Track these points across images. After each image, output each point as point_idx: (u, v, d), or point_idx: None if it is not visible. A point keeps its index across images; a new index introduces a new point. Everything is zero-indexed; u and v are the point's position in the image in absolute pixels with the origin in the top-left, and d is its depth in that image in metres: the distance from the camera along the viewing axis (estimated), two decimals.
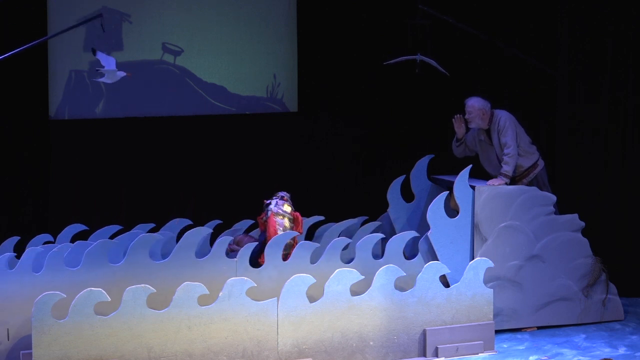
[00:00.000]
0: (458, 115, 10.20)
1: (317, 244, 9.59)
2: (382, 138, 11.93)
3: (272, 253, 9.36)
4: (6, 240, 9.72)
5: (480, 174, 10.40)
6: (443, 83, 11.67)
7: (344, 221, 10.42)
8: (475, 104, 10.12)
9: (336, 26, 11.77)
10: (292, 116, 11.90)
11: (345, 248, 9.62)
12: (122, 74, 9.67)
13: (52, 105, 11.20)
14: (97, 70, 9.67)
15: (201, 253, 9.41)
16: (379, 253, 9.81)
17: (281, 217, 9.65)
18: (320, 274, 9.04)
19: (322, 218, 10.43)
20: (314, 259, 9.46)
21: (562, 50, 11.23)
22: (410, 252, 9.85)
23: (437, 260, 9.56)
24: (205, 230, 9.47)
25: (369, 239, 9.64)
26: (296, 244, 9.57)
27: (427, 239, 9.68)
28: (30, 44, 9.80)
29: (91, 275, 8.95)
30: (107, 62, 9.64)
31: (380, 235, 9.76)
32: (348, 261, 9.57)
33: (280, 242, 9.40)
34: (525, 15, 11.56)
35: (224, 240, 9.38)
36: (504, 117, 10.04)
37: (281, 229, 9.59)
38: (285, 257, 9.43)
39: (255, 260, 9.42)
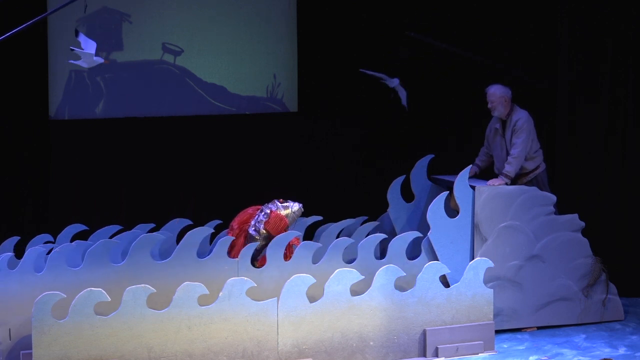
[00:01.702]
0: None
1: (319, 244, 9.59)
2: (382, 138, 11.93)
3: (274, 253, 9.36)
4: (6, 240, 9.71)
5: (482, 173, 10.41)
6: (443, 83, 11.69)
7: (343, 221, 10.41)
8: (496, 92, 10.12)
9: (336, 26, 11.77)
10: (292, 116, 11.90)
11: (346, 248, 9.62)
12: (99, 59, 9.43)
13: (52, 105, 11.20)
14: (72, 49, 9.48)
15: (201, 253, 9.41)
16: (380, 253, 9.81)
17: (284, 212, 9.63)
18: (322, 274, 9.03)
19: (320, 218, 10.41)
20: (315, 259, 9.46)
21: (562, 50, 11.23)
22: (411, 252, 9.84)
23: (438, 260, 9.56)
24: (207, 230, 9.46)
25: (371, 239, 9.64)
26: (291, 245, 9.57)
27: (428, 239, 9.69)
28: (9, 33, 9.67)
29: (92, 275, 8.94)
30: (87, 45, 9.44)
31: (383, 236, 9.76)
32: (350, 261, 9.57)
33: (282, 242, 9.40)
34: (525, 16, 11.56)
35: (225, 240, 9.38)
36: (522, 119, 10.04)
37: (288, 217, 9.57)
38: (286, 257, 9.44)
39: (253, 263, 9.42)
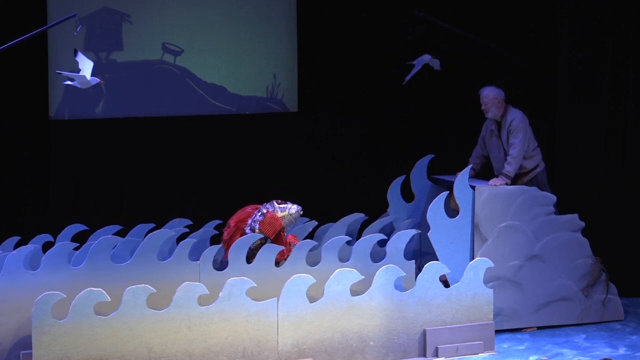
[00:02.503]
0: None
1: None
2: (382, 138, 11.93)
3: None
4: (6, 240, 9.72)
5: (481, 174, 10.41)
6: (443, 83, 11.68)
7: (344, 220, 10.39)
8: (489, 94, 10.14)
9: (336, 26, 11.77)
10: (292, 116, 11.90)
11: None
12: (95, 80, 9.35)
13: (52, 105, 11.19)
14: (59, 73, 9.44)
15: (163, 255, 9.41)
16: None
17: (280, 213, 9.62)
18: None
19: (315, 223, 10.31)
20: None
21: (562, 50, 11.23)
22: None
23: (437, 260, 9.56)
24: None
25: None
26: (289, 244, 9.56)
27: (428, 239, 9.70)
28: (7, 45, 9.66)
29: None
30: (84, 65, 9.36)
31: (381, 236, 9.76)
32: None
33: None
34: (525, 15, 11.56)
35: (186, 243, 9.30)
36: (517, 118, 10.05)
37: (284, 218, 9.54)
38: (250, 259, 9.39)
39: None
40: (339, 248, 9.50)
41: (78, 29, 9.55)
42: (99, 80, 9.38)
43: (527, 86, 11.52)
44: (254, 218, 9.58)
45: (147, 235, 9.30)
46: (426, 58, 10.52)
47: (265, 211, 9.55)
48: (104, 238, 9.15)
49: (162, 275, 9.14)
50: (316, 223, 10.27)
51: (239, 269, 9.21)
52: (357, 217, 10.43)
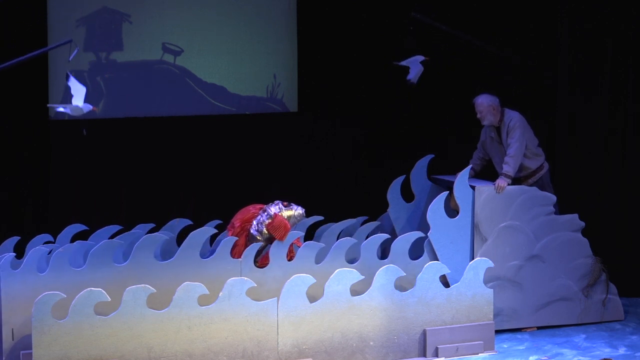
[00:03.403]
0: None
1: (322, 244, 9.59)
2: (382, 138, 11.93)
3: (276, 253, 9.36)
4: (6, 240, 9.71)
5: (481, 174, 10.41)
6: (443, 83, 11.68)
7: (344, 221, 10.41)
8: (484, 102, 10.13)
9: (336, 26, 11.77)
10: (292, 116, 11.90)
11: (349, 248, 9.61)
12: (88, 107, 9.23)
13: None
14: (49, 106, 9.34)
15: (203, 253, 9.41)
16: (383, 254, 9.81)
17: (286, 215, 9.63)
18: (325, 275, 9.03)
19: (321, 218, 10.41)
20: (318, 260, 9.46)
21: (562, 50, 11.23)
22: (413, 252, 9.84)
23: (438, 260, 9.56)
24: (209, 230, 9.46)
25: (374, 239, 9.64)
26: (292, 246, 9.57)
27: (429, 239, 9.69)
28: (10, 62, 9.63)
29: (95, 276, 8.94)
30: (77, 91, 9.28)
31: (386, 236, 9.76)
32: (352, 261, 9.57)
33: (285, 242, 9.40)
34: (525, 15, 11.56)
35: (228, 241, 9.37)
36: (515, 119, 10.05)
37: (290, 219, 9.57)
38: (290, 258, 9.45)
39: (253, 263, 9.42)
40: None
41: (73, 54, 9.48)
42: (92, 107, 9.30)
43: (527, 86, 11.52)
44: (259, 219, 9.58)
45: (189, 234, 9.30)
46: (419, 59, 10.51)
47: (272, 213, 9.55)
48: (147, 236, 9.19)
49: (204, 272, 9.16)
50: (322, 218, 10.31)
51: (279, 265, 9.32)
52: (358, 219, 10.47)
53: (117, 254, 9.29)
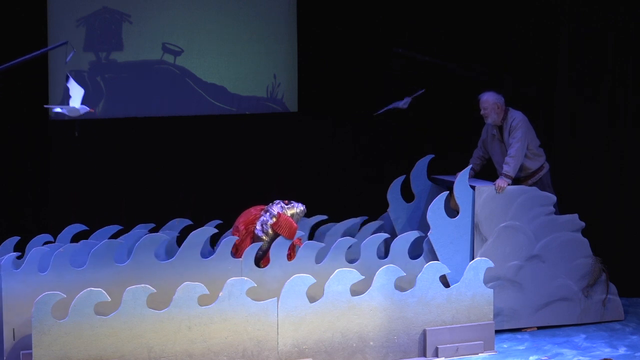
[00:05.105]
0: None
1: (323, 244, 9.59)
2: (382, 138, 11.93)
3: (277, 253, 9.36)
4: (6, 240, 9.72)
5: (481, 174, 10.41)
6: (443, 83, 11.68)
7: (345, 221, 10.41)
8: (489, 99, 10.13)
9: (336, 26, 11.77)
10: (292, 116, 11.90)
11: (349, 248, 9.62)
12: (85, 108, 9.25)
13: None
14: (47, 106, 9.35)
15: (204, 253, 9.41)
16: (383, 253, 9.81)
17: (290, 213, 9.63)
18: (325, 274, 9.03)
19: (325, 217, 10.42)
20: (318, 259, 9.46)
21: (562, 49, 11.23)
22: (413, 252, 9.84)
23: (438, 260, 9.56)
24: (210, 230, 9.47)
25: (374, 238, 9.65)
26: (294, 245, 9.57)
27: (429, 239, 9.69)
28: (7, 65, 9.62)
29: (97, 276, 8.94)
30: (75, 93, 9.28)
31: (386, 235, 9.77)
32: (352, 261, 9.57)
33: (285, 242, 9.40)
34: (525, 15, 11.55)
35: (229, 240, 9.38)
36: (517, 118, 10.06)
37: (293, 217, 9.58)
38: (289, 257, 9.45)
39: (257, 264, 9.43)
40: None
41: (70, 56, 9.48)
42: (88, 108, 9.31)
43: (526, 86, 11.52)
44: (262, 220, 9.58)
45: (190, 234, 9.30)
46: (407, 100, 10.60)
47: (275, 212, 9.56)
48: (148, 236, 9.20)
49: (205, 272, 9.17)
50: (326, 217, 10.31)
51: (279, 265, 9.33)
52: (359, 219, 10.48)
53: (119, 253, 9.29)
